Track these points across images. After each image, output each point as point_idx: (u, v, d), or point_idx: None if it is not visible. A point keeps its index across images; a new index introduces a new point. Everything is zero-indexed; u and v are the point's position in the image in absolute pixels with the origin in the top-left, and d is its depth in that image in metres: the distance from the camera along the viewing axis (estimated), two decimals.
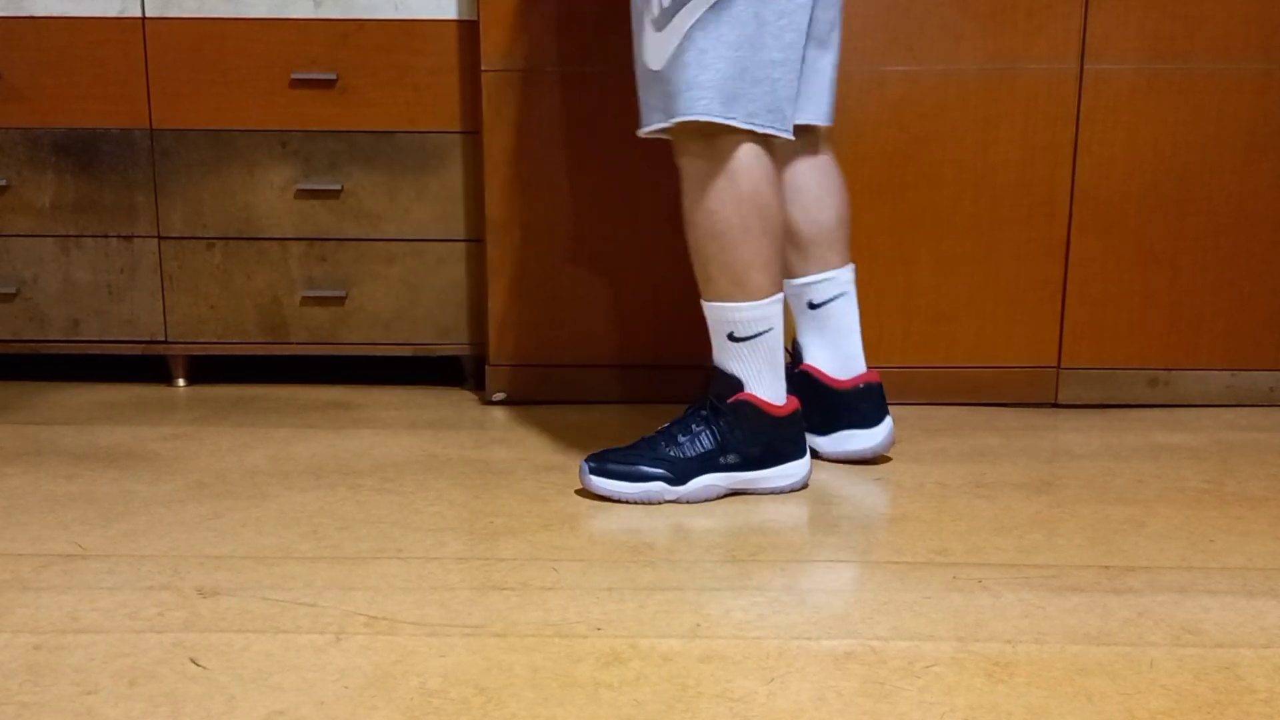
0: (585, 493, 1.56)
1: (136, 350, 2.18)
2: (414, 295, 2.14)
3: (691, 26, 1.43)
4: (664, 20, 1.44)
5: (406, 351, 2.17)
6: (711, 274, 1.51)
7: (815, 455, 1.72)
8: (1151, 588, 1.26)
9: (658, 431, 1.56)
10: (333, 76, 2.06)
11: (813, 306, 1.68)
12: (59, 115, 2.09)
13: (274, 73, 2.06)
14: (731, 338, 1.52)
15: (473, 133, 2.08)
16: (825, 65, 1.63)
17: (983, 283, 2.00)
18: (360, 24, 2.05)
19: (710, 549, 1.37)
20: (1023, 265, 2.00)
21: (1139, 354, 2.03)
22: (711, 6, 1.42)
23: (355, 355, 2.22)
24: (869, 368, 1.70)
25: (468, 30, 2.05)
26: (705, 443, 1.53)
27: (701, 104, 1.44)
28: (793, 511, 1.50)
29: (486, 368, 2.08)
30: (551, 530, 1.43)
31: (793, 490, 1.57)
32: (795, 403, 1.56)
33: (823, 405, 1.69)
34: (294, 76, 2.06)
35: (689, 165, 1.50)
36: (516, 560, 1.33)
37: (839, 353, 1.69)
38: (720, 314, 1.52)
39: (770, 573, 1.30)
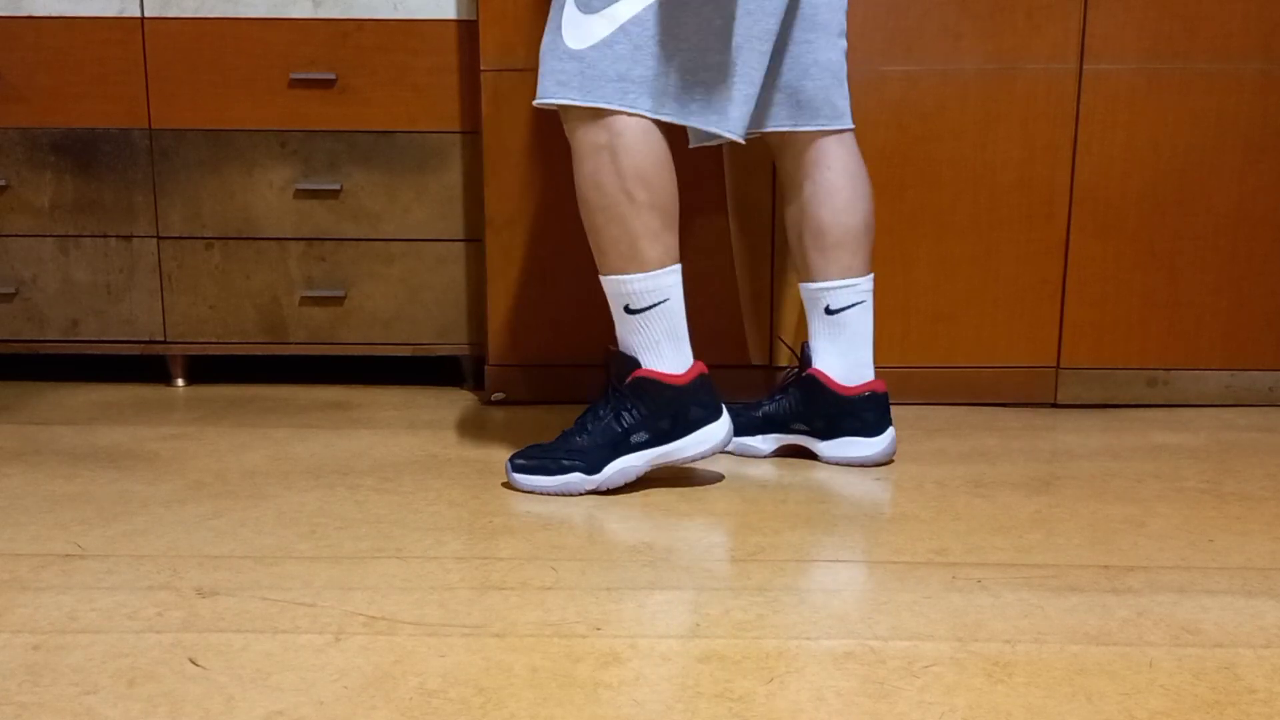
0: (583, 491, 1.57)
1: (135, 350, 2.18)
2: (413, 295, 2.14)
3: (629, 21, 1.45)
4: (596, 5, 1.46)
5: (406, 351, 2.17)
6: (604, 247, 1.53)
7: (814, 458, 1.73)
8: (1151, 587, 1.26)
9: (574, 423, 1.58)
10: (332, 76, 2.06)
11: (829, 312, 1.68)
12: (58, 115, 2.09)
13: (273, 73, 2.06)
14: (628, 310, 1.54)
15: (472, 132, 2.08)
16: (832, 67, 1.63)
17: (982, 283, 2.00)
18: (359, 24, 2.05)
19: (709, 549, 1.37)
20: (1022, 265, 2.00)
21: (1138, 354, 2.03)
22: (650, 4, 1.45)
23: (354, 355, 2.23)
24: (875, 376, 1.70)
25: (467, 30, 2.05)
26: (613, 427, 1.55)
27: (630, 98, 1.47)
28: (792, 511, 1.50)
29: (486, 368, 2.08)
30: (550, 530, 1.43)
31: (714, 453, 1.57)
32: (700, 367, 1.56)
33: (827, 410, 1.69)
34: (293, 76, 2.06)
35: (579, 140, 1.52)
36: (516, 560, 1.33)
37: (848, 360, 1.69)
38: (615, 287, 1.54)
39: (769, 573, 1.30)
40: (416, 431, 1.89)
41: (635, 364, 1.54)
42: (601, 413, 1.56)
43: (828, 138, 1.65)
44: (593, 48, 1.47)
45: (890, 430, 1.69)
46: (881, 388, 1.68)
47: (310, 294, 2.14)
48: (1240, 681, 1.05)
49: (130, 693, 1.02)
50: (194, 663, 1.08)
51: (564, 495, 1.55)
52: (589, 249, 2.02)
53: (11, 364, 2.34)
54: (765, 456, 1.75)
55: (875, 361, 2.02)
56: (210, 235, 2.13)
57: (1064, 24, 1.92)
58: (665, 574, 1.29)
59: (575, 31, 1.48)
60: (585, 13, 1.47)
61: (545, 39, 1.52)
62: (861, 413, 1.68)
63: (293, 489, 1.59)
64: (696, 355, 2.04)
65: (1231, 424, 1.93)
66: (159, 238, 2.13)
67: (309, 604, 1.21)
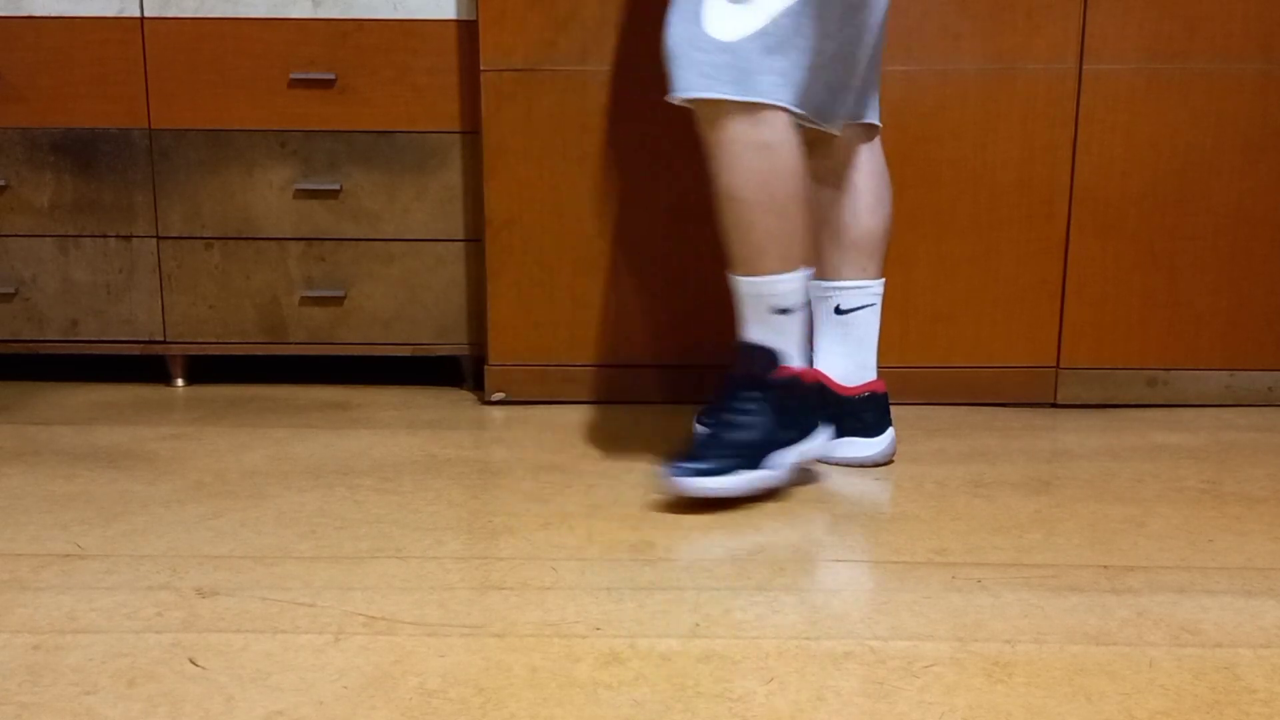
0: (584, 492, 1.56)
1: (135, 350, 2.18)
2: (413, 295, 2.14)
3: (781, 12, 1.42)
4: None
5: (405, 352, 2.17)
6: (763, 247, 1.49)
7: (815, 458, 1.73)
8: (1150, 587, 1.26)
9: (716, 423, 1.53)
10: (332, 76, 2.06)
11: (839, 312, 1.68)
12: (58, 115, 2.09)
13: (273, 72, 2.06)
14: (778, 311, 1.51)
15: (472, 132, 2.08)
16: (878, 61, 1.65)
17: (981, 283, 2.00)
18: (359, 24, 2.05)
19: (709, 548, 1.37)
20: (1021, 265, 2.00)
21: (1138, 354, 2.03)
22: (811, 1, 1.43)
23: (354, 355, 2.22)
24: (876, 377, 1.70)
25: (467, 30, 2.04)
26: (765, 423, 1.51)
27: (783, 91, 1.44)
28: (792, 511, 1.50)
29: (485, 368, 2.08)
30: (550, 529, 1.43)
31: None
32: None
33: (827, 411, 1.69)
34: (293, 76, 2.06)
35: (734, 137, 1.48)
36: (515, 560, 1.33)
37: (852, 361, 1.69)
38: (768, 288, 1.50)
39: (769, 572, 1.30)
40: (416, 431, 1.89)
41: (778, 359, 1.52)
42: (751, 407, 1.51)
43: (860, 137, 1.65)
44: (745, 39, 1.42)
45: (890, 430, 1.69)
46: (881, 388, 1.68)
47: (310, 294, 2.14)
48: (1240, 681, 1.05)
49: (130, 693, 1.02)
50: (194, 663, 1.07)
51: (747, 494, 1.51)
52: (588, 248, 2.02)
53: (11, 364, 2.34)
54: None
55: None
56: (210, 235, 2.13)
57: (1064, 24, 1.92)
58: (664, 573, 1.29)
59: (723, 23, 1.42)
60: (734, 2, 1.42)
61: (678, 30, 1.46)
62: (861, 413, 1.68)
63: (293, 489, 1.59)
64: (698, 355, 2.04)
65: (1231, 424, 1.93)
66: (159, 238, 2.13)
67: (309, 604, 1.21)
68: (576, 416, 1.97)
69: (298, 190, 2.10)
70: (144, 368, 2.33)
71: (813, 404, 1.56)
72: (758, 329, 1.52)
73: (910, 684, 1.04)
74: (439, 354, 2.18)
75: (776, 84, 1.43)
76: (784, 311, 1.51)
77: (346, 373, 2.33)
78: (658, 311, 2.04)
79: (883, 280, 1.69)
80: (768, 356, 1.52)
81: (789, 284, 1.50)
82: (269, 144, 2.09)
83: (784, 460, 1.53)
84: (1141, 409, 2.03)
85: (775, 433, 1.52)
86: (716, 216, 1.53)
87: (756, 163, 1.46)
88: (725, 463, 1.49)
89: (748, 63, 1.42)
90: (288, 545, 1.38)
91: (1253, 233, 1.98)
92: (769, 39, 1.42)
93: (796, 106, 1.47)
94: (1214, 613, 1.20)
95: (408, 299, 2.14)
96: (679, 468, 1.49)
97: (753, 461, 1.51)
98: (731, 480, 1.49)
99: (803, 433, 1.55)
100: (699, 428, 1.77)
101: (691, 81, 1.45)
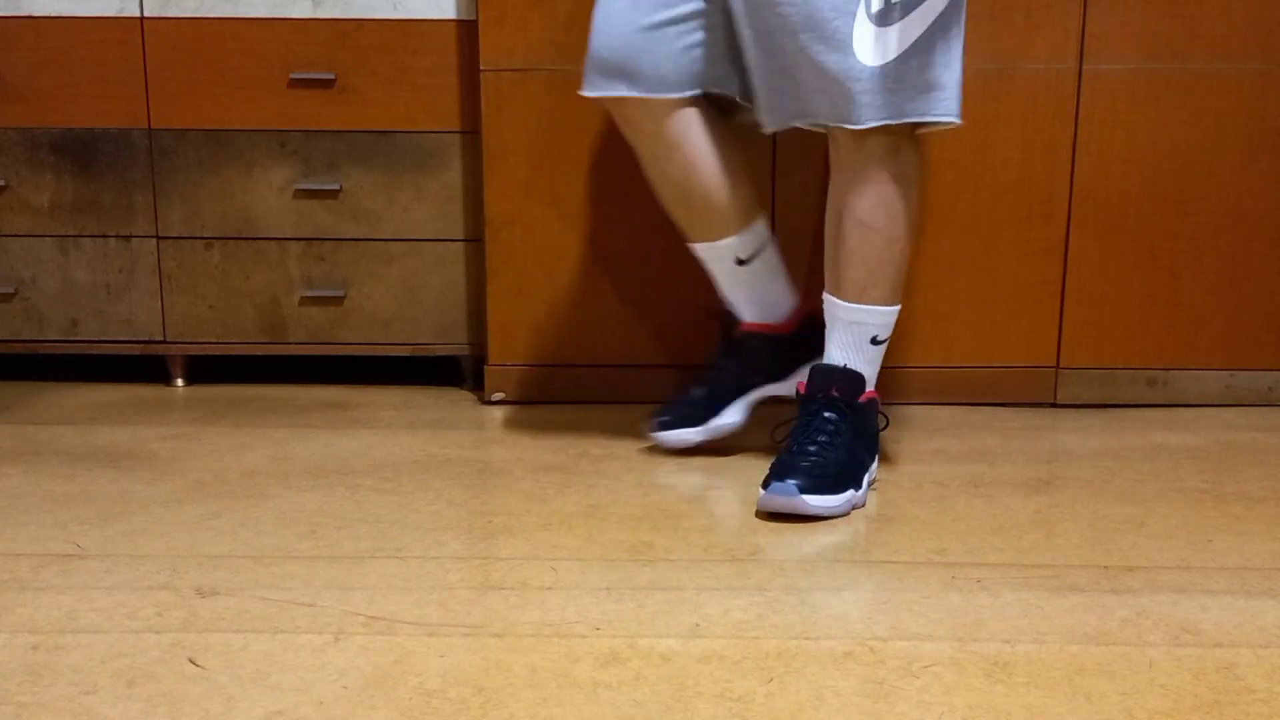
0: (584, 492, 1.56)
1: (135, 350, 2.18)
2: (413, 295, 2.14)
3: (933, 24, 1.40)
4: (894, 15, 1.38)
5: (405, 352, 2.17)
6: (887, 278, 1.50)
7: (780, 402, 1.72)
8: (1150, 587, 1.26)
9: (802, 441, 1.49)
10: (331, 76, 2.06)
11: (740, 263, 1.68)
12: (57, 115, 2.09)
13: (272, 72, 2.06)
14: (874, 341, 1.52)
15: (472, 132, 2.08)
16: None
17: (981, 283, 2.00)
18: (359, 23, 2.05)
19: (709, 549, 1.37)
20: (1021, 265, 2.00)
21: (1138, 354, 2.03)
22: (951, 4, 1.41)
23: (354, 355, 2.23)
24: (799, 303, 1.71)
25: (467, 30, 2.04)
26: (856, 444, 1.51)
27: (942, 105, 1.42)
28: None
29: (485, 368, 2.08)
30: (550, 530, 1.43)
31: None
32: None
33: (777, 353, 1.69)
34: (293, 76, 2.06)
35: (911, 163, 1.46)
36: (515, 560, 1.33)
37: (767, 302, 1.70)
38: (878, 318, 1.52)
39: (769, 573, 1.30)
40: (416, 431, 1.89)
41: (865, 385, 1.53)
42: (841, 428, 1.49)
43: None
44: (899, 59, 1.39)
45: None
46: (813, 306, 1.67)
47: (310, 294, 2.14)
48: (1240, 681, 1.05)
49: (130, 693, 1.02)
50: (194, 663, 1.08)
51: (836, 515, 1.48)
52: (588, 249, 2.02)
53: (11, 364, 2.34)
54: (741, 424, 1.72)
55: None
56: (210, 235, 2.13)
57: (1063, 24, 1.92)
58: (664, 574, 1.29)
59: (871, 46, 1.39)
60: (883, 25, 1.39)
61: (827, 61, 1.40)
62: (809, 337, 1.67)
63: (293, 489, 1.59)
64: (698, 355, 2.04)
65: (1231, 424, 1.93)
66: (159, 238, 2.13)
67: (308, 604, 1.21)
68: (576, 416, 1.97)
69: (297, 190, 2.10)
70: (144, 368, 2.33)
71: (876, 427, 1.58)
72: (847, 354, 1.53)
73: (910, 684, 1.04)
74: (439, 354, 2.18)
75: (935, 98, 1.42)
76: (879, 342, 1.53)
77: (346, 373, 2.33)
78: (658, 311, 2.04)
79: (763, 216, 1.72)
80: (857, 382, 1.52)
81: (892, 315, 1.52)
82: (269, 144, 2.09)
83: (866, 480, 1.54)
84: (1141, 409, 2.03)
85: (861, 454, 1.53)
86: (833, 241, 1.52)
87: (910, 195, 1.47)
88: (831, 482, 1.47)
89: (903, 81, 1.40)
90: (288, 545, 1.38)
91: (1253, 233, 1.98)
92: (934, 55, 1.40)
93: (957, 115, 1.46)
94: (1214, 613, 1.20)
95: (407, 299, 2.14)
96: (784, 485, 1.44)
97: (855, 482, 1.50)
98: (839, 500, 1.48)
99: (872, 455, 1.56)
100: (656, 431, 1.75)
101: (863, 113, 1.41)
